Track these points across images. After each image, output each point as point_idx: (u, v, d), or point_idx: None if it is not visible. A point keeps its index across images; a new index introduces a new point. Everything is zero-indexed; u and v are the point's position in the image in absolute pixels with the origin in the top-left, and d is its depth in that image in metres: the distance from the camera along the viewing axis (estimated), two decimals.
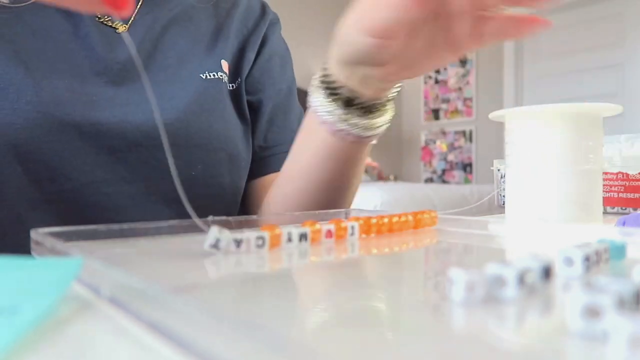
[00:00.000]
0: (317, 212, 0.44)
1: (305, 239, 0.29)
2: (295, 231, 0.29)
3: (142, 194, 0.49)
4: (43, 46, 0.47)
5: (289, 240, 0.29)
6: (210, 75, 0.54)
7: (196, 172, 0.52)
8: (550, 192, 0.48)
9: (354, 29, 0.37)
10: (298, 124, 0.51)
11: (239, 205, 0.58)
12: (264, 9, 0.63)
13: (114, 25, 0.52)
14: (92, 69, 0.49)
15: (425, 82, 4.33)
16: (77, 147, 0.46)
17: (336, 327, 0.16)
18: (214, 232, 0.27)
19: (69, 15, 0.50)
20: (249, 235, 0.27)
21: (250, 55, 0.59)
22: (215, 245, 0.27)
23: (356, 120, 0.42)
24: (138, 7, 0.54)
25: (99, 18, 0.52)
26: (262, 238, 0.28)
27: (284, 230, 0.29)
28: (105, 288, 0.20)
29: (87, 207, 0.47)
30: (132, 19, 0.53)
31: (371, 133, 0.44)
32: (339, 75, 0.41)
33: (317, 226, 0.30)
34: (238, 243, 0.27)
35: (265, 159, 0.59)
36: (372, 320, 0.17)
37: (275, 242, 0.28)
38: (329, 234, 0.31)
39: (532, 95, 3.75)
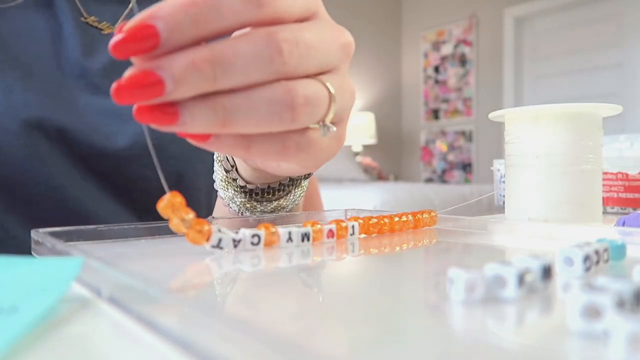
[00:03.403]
0: (316, 212, 0.44)
1: (308, 239, 0.29)
2: (298, 231, 0.29)
3: (112, 203, 0.48)
4: (24, 47, 0.46)
5: (290, 240, 0.29)
6: None
7: (170, 185, 0.51)
8: (550, 192, 0.48)
9: None
10: None
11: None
12: None
13: (99, 27, 0.52)
14: (71, 72, 0.48)
15: (425, 82, 4.34)
16: (45, 151, 0.45)
17: (336, 327, 0.16)
18: (216, 232, 0.27)
19: (53, 15, 0.49)
20: (246, 233, 0.27)
21: None
22: (218, 245, 0.27)
23: (257, 205, 0.40)
24: (128, 8, 0.54)
25: (85, 18, 0.51)
26: (257, 236, 0.28)
27: (284, 230, 0.29)
28: (105, 288, 0.20)
29: (59, 210, 0.46)
30: (121, 20, 0.53)
31: (282, 211, 0.41)
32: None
33: (319, 226, 0.30)
34: (236, 243, 0.27)
35: None
36: (372, 320, 0.17)
37: (273, 242, 0.28)
38: (330, 233, 0.31)
39: (532, 95, 3.75)
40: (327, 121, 0.25)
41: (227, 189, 0.40)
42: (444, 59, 4.21)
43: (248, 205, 0.40)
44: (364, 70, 4.15)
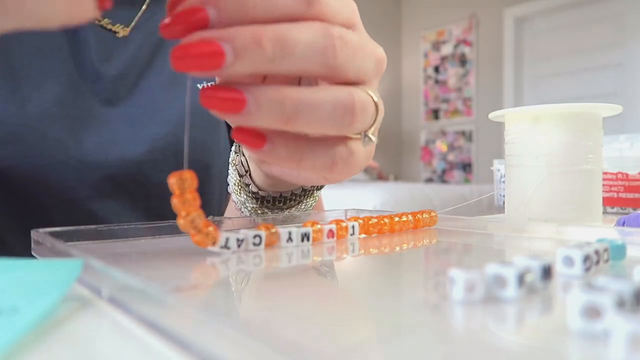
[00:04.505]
0: (316, 212, 0.44)
1: (308, 239, 0.29)
2: (297, 231, 0.29)
3: (127, 210, 0.48)
4: (38, 50, 0.46)
5: (290, 240, 0.29)
6: (208, 85, 0.52)
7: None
8: (550, 192, 0.48)
9: None
10: None
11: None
12: None
13: (114, 29, 0.51)
14: (86, 77, 0.47)
15: (425, 82, 4.34)
16: (59, 163, 0.44)
17: (336, 327, 0.16)
18: (222, 233, 0.26)
19: None
20: (248, 233, 0.27)
21: None
22: (226, 246, 0.26)
23: (268, 212, 0.40)
24: (141, 10, 0.53)
25: (99, 21, 0.51)
26: (258, 236, 0.28)
27: (284, 230, 0.29)
28: (105, 288, 0.20)
29: (71, 223, 0.46)
30: (134, 22, 0.52)
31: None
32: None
33: (318, 226, 0.30)
34: (240, 242, 0.27)
35: None
36: (372, 320, 0.17)
37: (273, 242, 0.28)
38: (330, 233, 0.31)
39: (532, 95, 3.75)
40: (370, 132, 0.26)
41: (240, 193, 0.40)
42: (444, 59, 4.21)
43: (259, 212, 0.40)
44: None
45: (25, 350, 0.15)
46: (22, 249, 0.45)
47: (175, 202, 0.24)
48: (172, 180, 0.24)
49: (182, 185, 0.24)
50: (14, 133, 0.43)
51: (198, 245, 0.26)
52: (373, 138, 0.26)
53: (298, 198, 0.40)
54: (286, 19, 0.22)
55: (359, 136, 0.26)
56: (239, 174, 0.39)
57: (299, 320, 0.17)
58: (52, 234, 0.29)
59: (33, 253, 0.29)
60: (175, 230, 0.34)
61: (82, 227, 0.31)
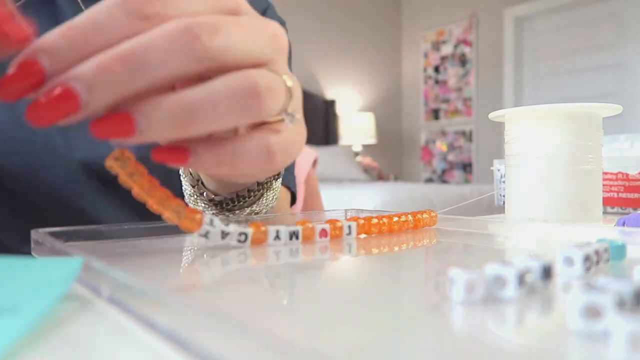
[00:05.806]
0: (316, 212, 0.44)
1: (296, 237, 0.29)
2: (289, 230, 0.29)
3: (117, 208, 0.48)
4: None
5: (290, 238, 0.29)
6: None
7: (175, 189, 0.50)
8: (550, 192, 0.48)
9: None
10: None
11: None
12: (264, 13, 0.60)
13: None
14: None
15: (425, 82, 4.33)
16: (49, 160, 0.44)
17: (336, 327, 0.16)
18: (207, 222, 0.26)
19: (55, 16, 0.49)
20: (235, 229, 0.27)
21: None
22: (205, 235, 0.26)
23: (230, 215, 0.39)
24: None
25: None
26: (244, 234, 0.28)
27: (282, 229, 0.29)
28: (105, 288, 0.20)
29: (61, 220, 0.46)
30: None
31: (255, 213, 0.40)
32: None
33: (310, 225, 0.30)
34: (224, 235, 0.27)
35: None
36: (372, 320, 0.17)
37: (262, 239, 0.28)
38: (323, 233, 0.31)
39: (532, 95, 3.75)
40: (290, 110, 0.24)
41: (197, 203, 0.39)
42: (444, 59, 4.21)
43: (221, 217, 0.40)
44: (364, 71, 4.15)
45: (25, 350, 0.15)
46: (14, 246, 0.45)
47: (137, 191, 0.23)
48: (111, 163, 0.23)
49: (124, 165, 0.23)
50: (3, 131, 0.43)
51: (186, 230, 0.25)
52: (296, 114, 0.24)
53: (256, 193, 0.38)
54: (128, 38, 0.20)
55: (280, 117, 0.24)
56: (190, 184, 0.38)
57: (299, 320, 0.17)
58: (52, 234, 0.29)
59: (33, 253, 0.29)
60: (176, 231, 0.34)
61: (82, 227, 0.31)
